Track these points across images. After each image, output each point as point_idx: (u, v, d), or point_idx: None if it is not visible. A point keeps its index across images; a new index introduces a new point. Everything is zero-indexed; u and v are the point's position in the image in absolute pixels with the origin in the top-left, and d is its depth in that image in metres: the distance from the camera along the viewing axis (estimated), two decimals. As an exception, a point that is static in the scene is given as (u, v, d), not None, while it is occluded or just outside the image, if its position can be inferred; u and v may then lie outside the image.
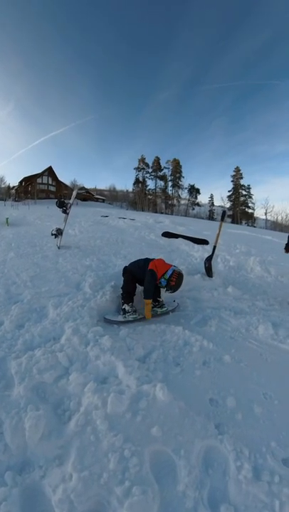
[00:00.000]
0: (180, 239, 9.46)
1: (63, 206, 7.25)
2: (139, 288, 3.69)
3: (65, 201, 7.43)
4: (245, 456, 1.59)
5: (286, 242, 4.78)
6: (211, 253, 5.39)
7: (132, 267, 3.74)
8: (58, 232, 7.12)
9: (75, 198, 7.59)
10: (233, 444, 1.65)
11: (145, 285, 3.40)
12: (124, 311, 3.37)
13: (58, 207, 7.29)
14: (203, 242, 5.33)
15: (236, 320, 3.43)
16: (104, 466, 1.48)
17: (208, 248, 5.51)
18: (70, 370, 2.25)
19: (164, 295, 3.74)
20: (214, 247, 5.45)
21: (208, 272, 5.14)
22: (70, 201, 7.50)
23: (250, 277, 5.67)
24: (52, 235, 7.32)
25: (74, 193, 7.77)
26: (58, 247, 6.80)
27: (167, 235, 10.62)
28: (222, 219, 5.71)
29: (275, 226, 55.52)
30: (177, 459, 1.56)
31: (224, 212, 5.87)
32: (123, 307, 3.42)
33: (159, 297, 3.67)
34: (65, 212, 7.30)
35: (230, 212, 66.01)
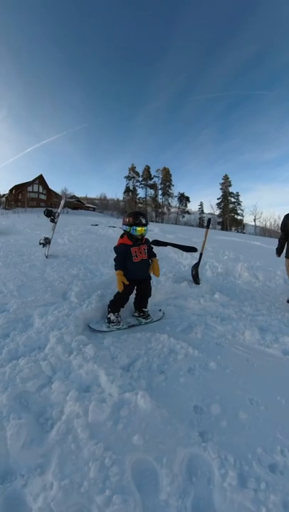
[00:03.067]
0: (169, 247, 9.49)
1: (51, 215, 7.23)
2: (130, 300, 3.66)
3: (53, 210, 7.41)
4: (230, 464, 1.57)
5: (277, 246, 4.91)
6: (197, 260, 5.43)
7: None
8: (46, 241, 7.08)
9: (66, 206, 7.60)
10: (217, 452, 1.63)
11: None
12: (109, 321, 3.36)
13: (46, 216, 7.27)
14: (192, 249, 5.36)
15: (223, 326, 3.43)
16: (84, 474, 1.45)
17: (197, 255, 5.57)
18: (53, 379, 2.22)
19: (150, 304, 3.74)
20: (201, 254, 5.50)
21: (195, 279, 5.16)
22: (58, 210, 7.48)
23: (238, 283, 5.70)
24: (40, 244, 7.26)
25: (62, 202, 7.75)
26: (46, 257, 6.75)
27: (156, 243, 10.59)
28: (207, 226, 5.77)
29: (264, 232, 56.00)
30: (159, 468, 1.53)
31: (209, 220, 5.94)
32: (108, 316, 3.40)
33: (145, 308, 3.66)
34: (53, 221, 7.28)
35: (219, 220, 66.74)
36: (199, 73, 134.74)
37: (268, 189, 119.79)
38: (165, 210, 71.05)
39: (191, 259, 7.34)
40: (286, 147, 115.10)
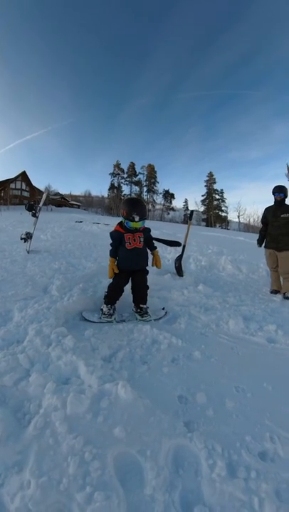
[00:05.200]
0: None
1: (32, 209, 7.09)
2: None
3: (35, 205, 7.27)
4: (218, 453, 1.50)
5: (258, 237, 5.18)
6: (180, 253, 5.42)
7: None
8: (28, 236, 6.92)
9: (50, 203, 7.51)
10: (204, 442, 1.56)
11: None
12: (102, 312, 3.28)
13: (27, 210, 7.14)
14: (176, 244, 5.39)
15: (206, 316, 3.40)
16: (63, 470, 1.36)
17: (180, 249, 5.59)
18: (30, 372, 2.11)
19: (152, 302, 3.64)
20: (183, 247, 5.53)
21: (179, 271, 5.17)
22: (40, 205, 7.34)
23: (222, 275, 5.74)
24: (21, 239, 7.09)
25: (44, 196, 7.61)
26: (28, 252, 6.60)
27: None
28: (190, 218, 5.77)
29: (248, 228, 56.88)
30: (143, 461, 1.45)
31: (192, 212, 5.94)
32: (101, 307, 3.32)
33: (143, 303, 3.42)
34: (34, 215, 7.13)
35: (204, 216, 67.34)
36: (188, 71, 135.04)
37: (252, 187, 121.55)
38: (150, 206, 71.09)
39: (174, 253, 7.32)
40: (271, 147, 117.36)
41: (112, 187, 72.04)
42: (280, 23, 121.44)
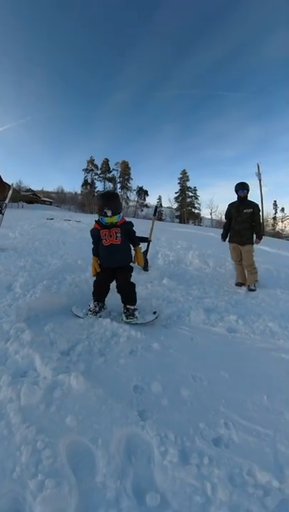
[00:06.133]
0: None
1: (-2, 207, 6.89)
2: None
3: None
4: (171, 441, 1.54)
5: (222, 232, 5.37)
6: (146, 248, 5.52)
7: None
8: (-8, 234, 6.73)
9: (21, 200, 7.30)
10: (156, 430, 1.60)
11: None
12: (89, 308, 3.29)
13: (-8, 207, 6.92)
14: (145, 240, 5.48)
15: (168, 308, 3.47)
16: (16, 459, 1.40)
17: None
18: (-12, 367, 2.13)
19: (141, 304, 3.56)
20: (148, 242, 5.63)
21: (144, 266, 5.19)
22: (6, 201, 7.14)
23: (189, 270, 5.84)
24: (-14, 237, 6.89)
25: (10, 192, 7.40)
26: (-6, 250, 6.41)
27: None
28: (154, 213, 5.84)
29: (220, 224, 57.81)
30: (95, 449, 1.48)
31: (156, 207, 6.01)
32: (89, 303, 3.33)
33: (130, 304, 3.25)
34: (0, 212, 6.93)
35: (177, 213, 67.91)
36: (167, 70, 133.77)
37: (225, 185, 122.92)
38: (124, 203, 70.74)
39: (143, 248, 7.31)
40: (244, 147, 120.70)
41: (85, 183, 70.91)
42: (262, 26, 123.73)
